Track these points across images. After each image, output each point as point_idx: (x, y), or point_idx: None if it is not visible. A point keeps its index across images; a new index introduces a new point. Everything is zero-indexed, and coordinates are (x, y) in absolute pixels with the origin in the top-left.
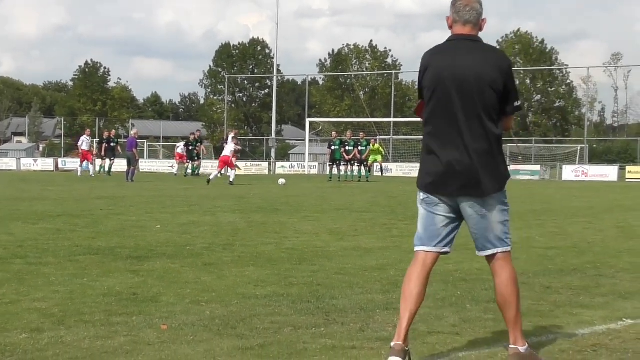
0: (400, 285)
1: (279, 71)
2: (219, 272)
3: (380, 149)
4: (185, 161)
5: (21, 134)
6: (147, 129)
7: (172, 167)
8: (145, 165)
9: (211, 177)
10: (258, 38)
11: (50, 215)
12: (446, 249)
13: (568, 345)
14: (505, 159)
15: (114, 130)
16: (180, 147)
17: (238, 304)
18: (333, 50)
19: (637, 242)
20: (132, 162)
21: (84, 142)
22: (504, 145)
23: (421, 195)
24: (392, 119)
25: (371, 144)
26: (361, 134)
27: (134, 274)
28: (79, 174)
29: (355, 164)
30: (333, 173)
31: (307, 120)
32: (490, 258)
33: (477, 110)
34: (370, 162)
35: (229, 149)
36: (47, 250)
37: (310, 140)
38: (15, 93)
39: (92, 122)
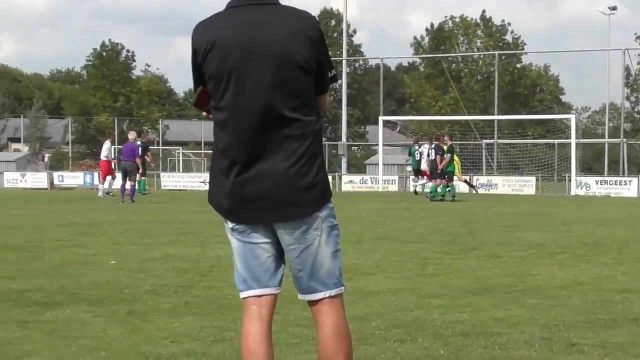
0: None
1: (358, 53)
2: (140, 323)
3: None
4: None
5: (20, 140)
6: (188, 132)
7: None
8: (169, 180)
9: None
10: (332, 9)
11: None
12: (279, 289)
13: None
14: (325, 162)
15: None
16: None
17: None
18: (432, 24)
19: None
20: (131, 176)
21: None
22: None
23: (229, 223)
24: (498, 117)
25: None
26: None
27: (21, 325)
28: (100, 193)
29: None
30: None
31: (380, 119)
32: (314, 303)
33: (284, 100)
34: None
35: None
36: None
37: (399, 146)
38: (12, 85)
39: (112, 122)
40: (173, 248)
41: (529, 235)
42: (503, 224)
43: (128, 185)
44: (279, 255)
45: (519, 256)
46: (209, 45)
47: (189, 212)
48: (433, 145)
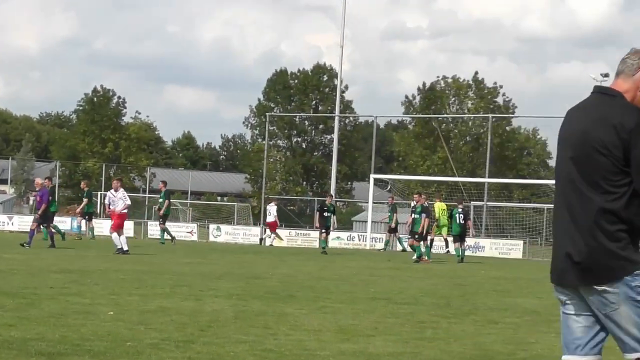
0: None
1: (349, 109)
2: None
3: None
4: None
5: (6, 182)
6: (175, 181)
7: (269, 237)
8: (156, 229)
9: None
10: (325, 64)
11: None
12: (589, 358)
13: None
14: (626, 239)
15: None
16: (273, 215)
17: None
18: (424, 84)
19: None
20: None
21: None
22: None
23: (554, 290)
24: (488, 179)
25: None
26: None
27: None
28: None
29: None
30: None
31: (372, 177)
32: None
33: (580, 176)
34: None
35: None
36: None
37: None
38: (0, 127)
39: (100, 168)
40: (169, 300)
41: (522, 302)
42: (494, 288)
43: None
44: (594, 327)
45: (515, 323)
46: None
47: (179, 263)
48: (461, 209)
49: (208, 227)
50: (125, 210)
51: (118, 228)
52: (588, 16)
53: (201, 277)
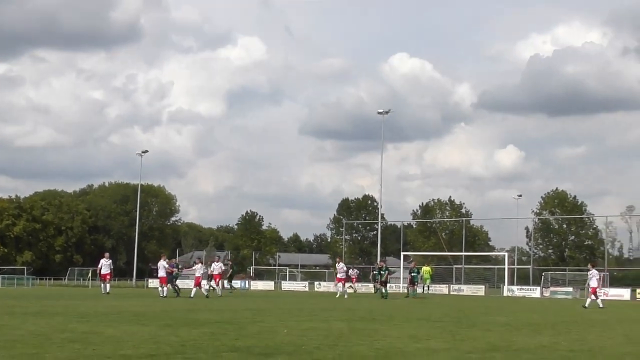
0: None
1: (383, 218)
2: None
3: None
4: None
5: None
6: (289, 259)
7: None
8: (286, 285)
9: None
10: (368, 194)
11: (210, 322)
12: None
13: None
14: None
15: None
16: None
17: None
18: (422, 204)
19: (637, 347)
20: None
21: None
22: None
23: None
24: (463, 253)
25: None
26: (412, 263)
27: None
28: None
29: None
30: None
31: (402, 254)
32: None
33: None
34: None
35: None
36: (201, 349)
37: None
38: (197, 234)
39: (250, 254)
40: (312, 323)
41: (498, 319)
42: (476, 311)
43: None
44: None
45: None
46: None
47: (311, 302)
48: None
49: None
50: None
51: None
52: None
53: (321, 310)
